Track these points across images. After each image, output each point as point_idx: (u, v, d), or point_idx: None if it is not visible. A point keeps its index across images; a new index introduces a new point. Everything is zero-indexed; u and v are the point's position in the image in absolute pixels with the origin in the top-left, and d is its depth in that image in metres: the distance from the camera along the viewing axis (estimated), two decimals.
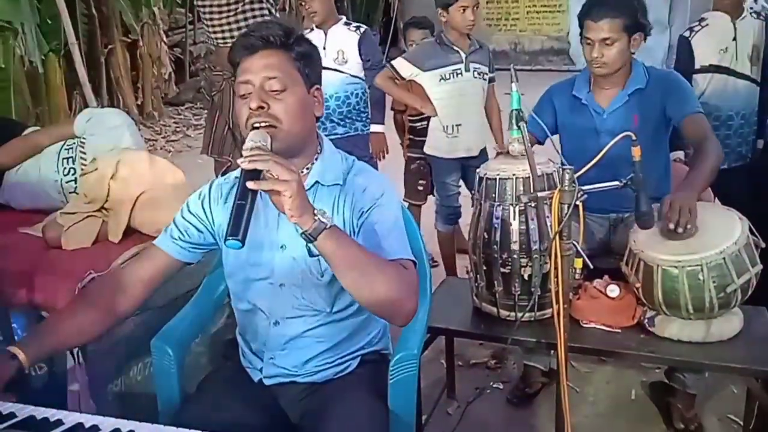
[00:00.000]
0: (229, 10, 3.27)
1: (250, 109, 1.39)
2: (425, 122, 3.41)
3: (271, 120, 1.39)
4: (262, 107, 1.39)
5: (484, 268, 2.13)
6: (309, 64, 1.48)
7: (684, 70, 2.83)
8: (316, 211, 1.27)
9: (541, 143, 2.33)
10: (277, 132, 1.39)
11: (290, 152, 1.44)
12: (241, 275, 1.55)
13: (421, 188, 3.60)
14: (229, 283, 1.60)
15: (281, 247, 1.50)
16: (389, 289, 1.34)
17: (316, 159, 1.52)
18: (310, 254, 1.45)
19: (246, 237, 1.22)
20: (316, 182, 1.50)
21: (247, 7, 3.29)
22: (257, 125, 1.39)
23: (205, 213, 1.56)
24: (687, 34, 2.94)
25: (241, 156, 1.29)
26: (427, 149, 3.29)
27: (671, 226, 1.90)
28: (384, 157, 3.44)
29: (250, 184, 1.23)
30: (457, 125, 3.14)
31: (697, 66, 2.92)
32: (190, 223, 1.56)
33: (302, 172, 1.50)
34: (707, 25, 2.91)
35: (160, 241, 1.57)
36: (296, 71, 1.44)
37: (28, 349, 1.39)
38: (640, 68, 2.33)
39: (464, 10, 3.00)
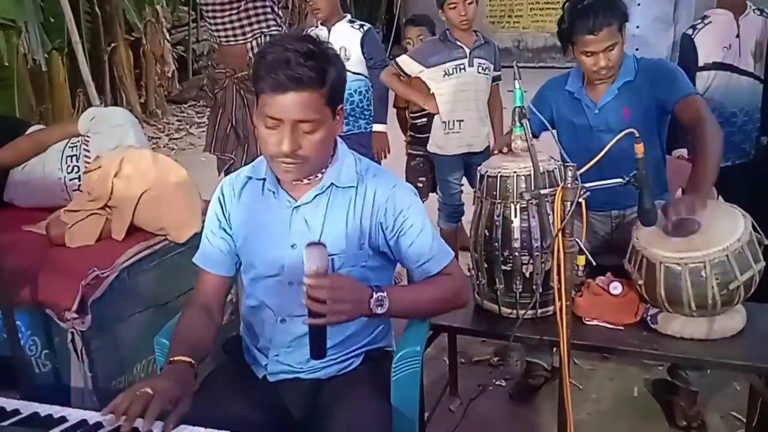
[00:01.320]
0: (231, 9, 3.27)
1: (283, 151, 1.40)
2: (425, 119, 3.41)
3: (299, 159, 1.43)
4: (294, 149, 1.41)
5: (486, 265, 2.13)
6: (338, 91, 1.46)
7: (688, 68, 2.82)
8: (371, 302, 1.41)
9: (536, 137, 2.31)
10: (302, 166, 1.45)
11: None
12: (252, 272, 1.57)
13: (421, 185, 3.60)
14: (243, 278, 1.63)
15: (292, 246, 1.52)
16: (448, 304, 1.59)
17: (331, 162, 1.53)
18: None
19: (326, 351, 1.37)
20: (332, 184, 1.52)
21: (250, 5, 3.28)
22: (286, 165, 1.43)
23: (225, 216, 1.60)
24: (690, 32, 2.93)
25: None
26: (430, 147, 3.29)
27: (668, 226, 1.92)
28: (386, 156, 3.44)
29: (316, 322, 1.34)
30: (458, 121, 3.14)
31: (700, 63, 2.91)
32: (222, 239, 1.60)
33: (317, 176, 1.52)
34: (710, 22, 2.90)
35: (206, 265, 1.62)
36: (326, 107, 1.43)
37: (193, 357, 1.42)
38: (629, 60, 2.30)
39: (454, 6, 3.00)
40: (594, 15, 2.14)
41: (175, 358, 1.39)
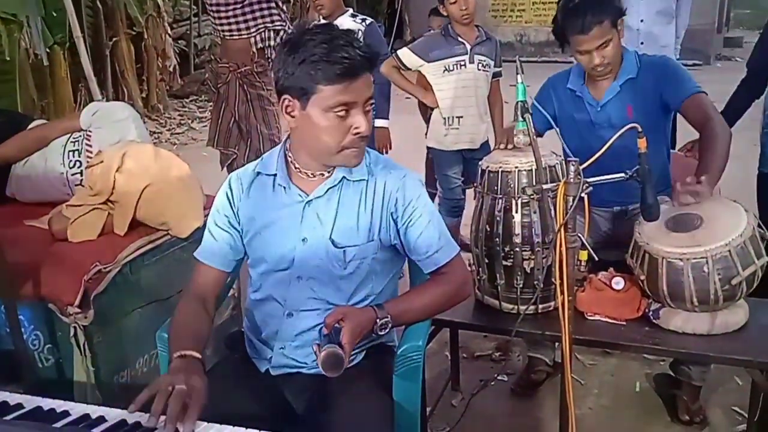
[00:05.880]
0: (236, 3, 3.27)
1: (362, 134, 1.44)
2: None
3: (365, 139, 1.48)
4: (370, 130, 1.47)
5: (486, 261, 2.13)
6: None
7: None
8: (375, 328, 1.46)
9: (540, 135, 2.31)
10: (364, 146, 1.50)
11: None
12: (262, 266, 1.57)
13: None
14: (251, 272, 1.62)
15: (303, 240, 1.52)
16: (449, 304, 1.61)
17: None
18: (335, 245, 1.50)
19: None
20: (343, 178, 1.52)
21: None
22: (355, 150, 1.46)
23: (233, 211, 1.59)
24: None
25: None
26: (428, 142, 3.29)
27: (674, 203, 1.93)
28: (387, 152, 3.44)
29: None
30: (458, 117, 3.14)
31: None
32: (228, 233, 1.60)
33: (328, 170, 1.53)
34: None
35: (206, 258, 1.61)
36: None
37: (199, 351, 1.40)
38: (631, 57, 2.29)
39: (455, 1, 3.00)
40: (584, 14, 2.13)
41: (186, 353, 1.36)
